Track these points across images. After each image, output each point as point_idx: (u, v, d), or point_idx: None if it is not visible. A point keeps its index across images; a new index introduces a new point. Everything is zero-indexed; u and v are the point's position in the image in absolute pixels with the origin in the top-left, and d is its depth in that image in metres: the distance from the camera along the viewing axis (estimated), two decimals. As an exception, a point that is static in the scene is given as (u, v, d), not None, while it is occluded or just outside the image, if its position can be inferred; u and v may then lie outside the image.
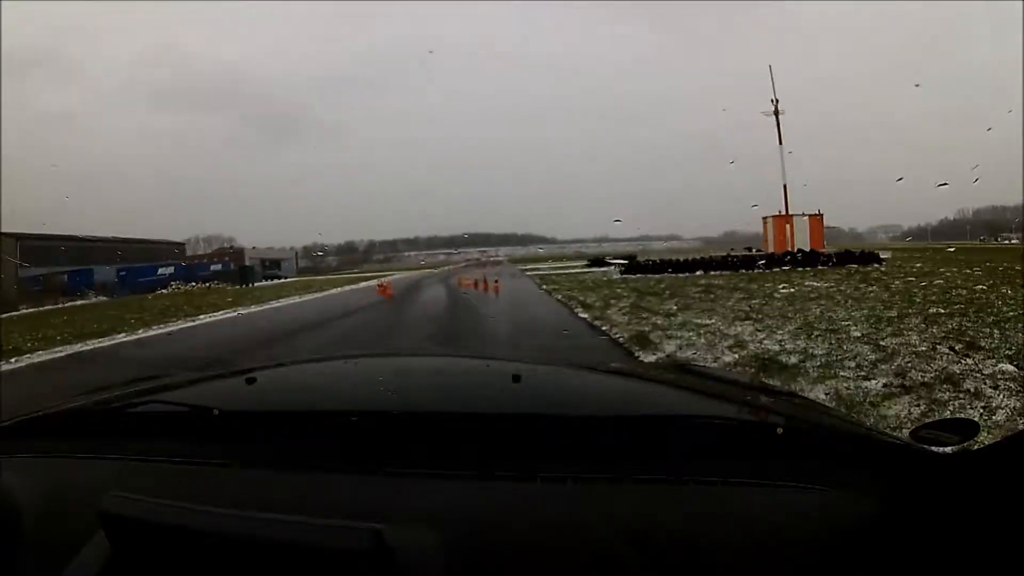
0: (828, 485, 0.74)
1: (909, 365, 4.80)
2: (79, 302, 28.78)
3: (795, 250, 22.97)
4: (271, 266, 63.81)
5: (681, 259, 21.12)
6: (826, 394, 4.16)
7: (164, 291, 34.21)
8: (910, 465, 0.78)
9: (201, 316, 14.66)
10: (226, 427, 0.92)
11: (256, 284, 37.65)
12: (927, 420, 0.91)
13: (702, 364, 5.05)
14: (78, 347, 9.88)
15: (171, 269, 40.54)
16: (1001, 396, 3.87)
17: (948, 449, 0.79)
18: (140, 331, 11.91)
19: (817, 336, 6.38)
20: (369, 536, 0.56)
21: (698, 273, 19.39)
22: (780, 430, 0.82)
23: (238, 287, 34.16)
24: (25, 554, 0.69)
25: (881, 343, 5.74)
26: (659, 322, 8.27)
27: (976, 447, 0.74)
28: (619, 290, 14.53)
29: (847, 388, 4.26)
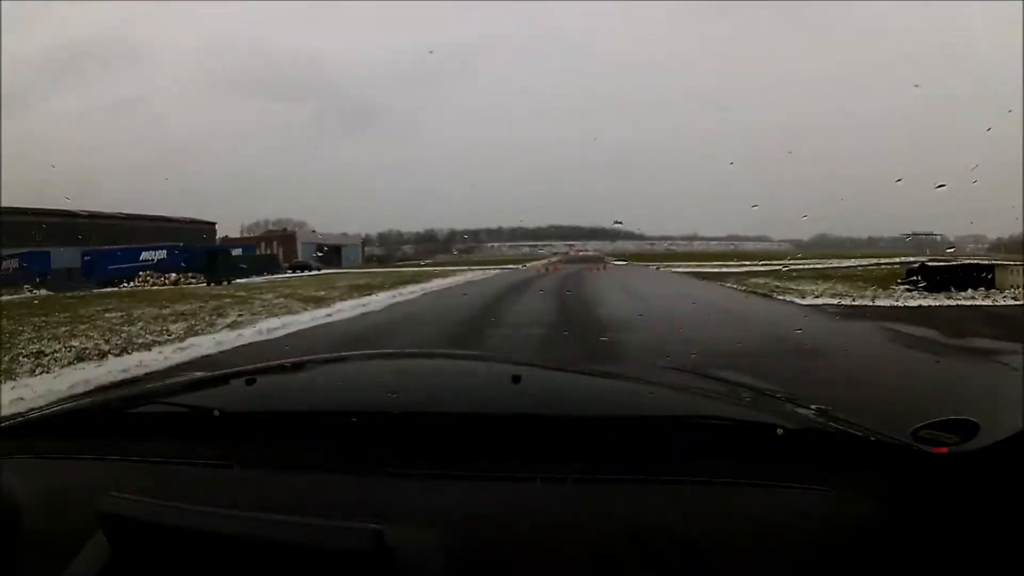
0: (828, 485, 0.74)
1: None
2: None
3: None
4: (328, 253, 54.58)
5: None
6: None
7: (127, 285, 24.71)
8: (910, 465, 0.78)
9: None
10: (226, 428, 0.92)
11: (248, 280, 26.96)
12: (927, 420, 0.84)
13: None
14: None
15: (162, 253, 30.50)
16: None
17: (948, 449, 0.77)
18: None
19: None
20: (369, 536, 0.57)
21: None
22: (780, 430, 0.81)
23: (208, 285, 23.53)
24: (25, 554, 0.69)
25: None
26: None
27: (976, 447, 0.74)
28: None
29: None
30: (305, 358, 1.52)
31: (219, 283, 24.42)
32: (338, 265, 49.45)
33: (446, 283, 20.11)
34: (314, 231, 70.06)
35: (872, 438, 0.85)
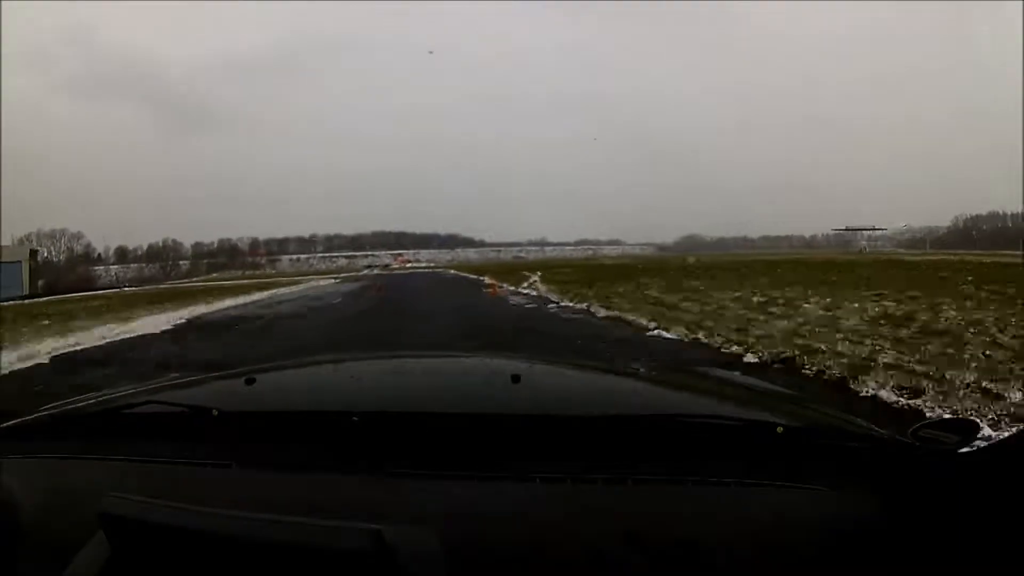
0: (828, 485, 0.74)
1: None
2: None
3: None
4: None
5: None
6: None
7: None
8: (910, 465, 0.78)
9: None
10: (225, 428, 0.92)
11: None
12: (927, 420, 0.85)
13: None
14: None
15: None
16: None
17: (948, 449, 0.78)
18: None
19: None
20: (369, 536, 0.56)
21: None
22: (780, 430, 0.81)
23: None
24: (25, 554, 0.69)
25: None
26: None
27: (976, 447, 0.74)
28: None
29: None
30: (305, 358, 1.53)
31: None
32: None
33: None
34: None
35: (872, 437, 0.86)
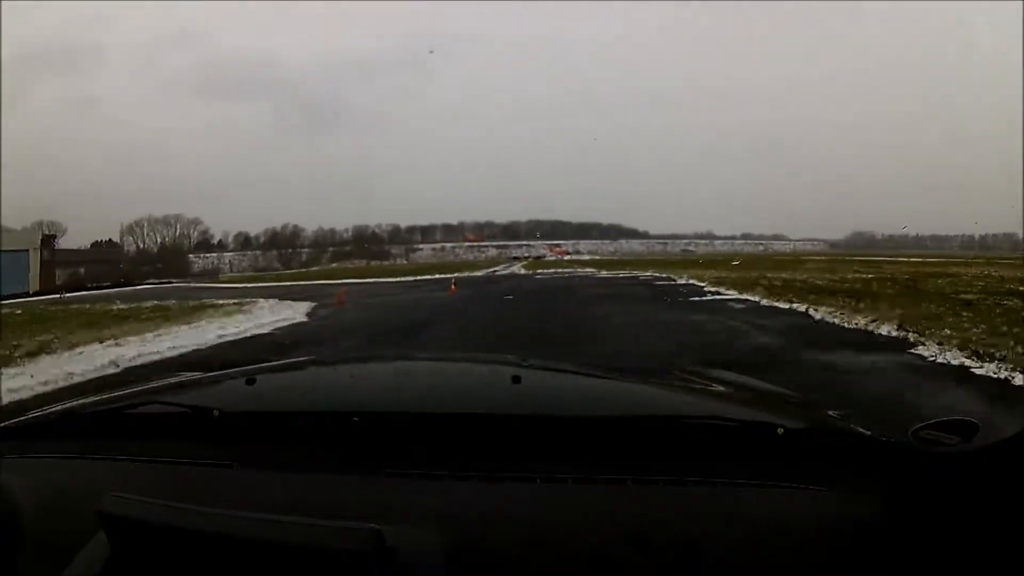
0: (828, 485, 0.74)
1: None
2: None
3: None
4: None
5: None
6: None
7: None
8: (910, 465, 0.77)
9: None
10: (226, 428, 0.92)
11: None
12: (927, 421, 0.84)
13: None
14: None
15: None
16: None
17: (948, 449, 0.77)
18: None
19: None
20: (368, 536, 0.57)
21: None
22: (780, 430, 0.81)
23: None
24: (25, 554, 0.70)
25: None
26: None
27: (976, 447, 0.74)
28: None
29: None
30: (305, 358, 1.52)
31: None
32: None
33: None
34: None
35: (872, 438, 0.85)
